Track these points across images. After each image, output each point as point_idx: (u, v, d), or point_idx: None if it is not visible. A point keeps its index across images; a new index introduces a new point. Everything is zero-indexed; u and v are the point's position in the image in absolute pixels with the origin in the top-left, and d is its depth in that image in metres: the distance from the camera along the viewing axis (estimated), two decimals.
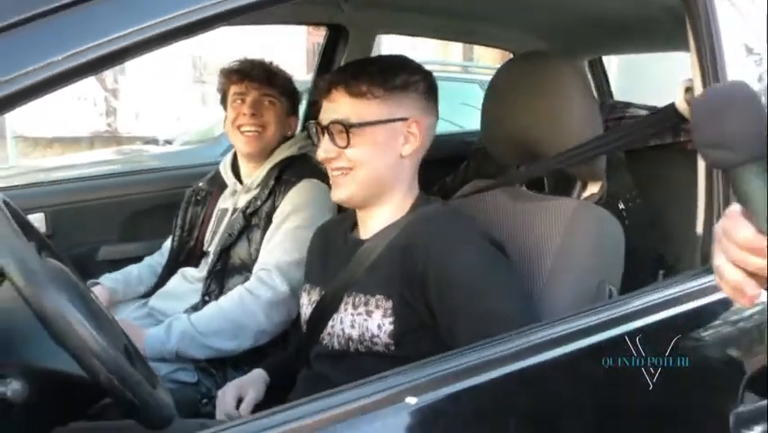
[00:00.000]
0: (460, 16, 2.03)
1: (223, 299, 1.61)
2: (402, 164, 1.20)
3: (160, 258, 1.96)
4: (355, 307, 1.14)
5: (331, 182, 1.22)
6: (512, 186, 1.34)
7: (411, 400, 0.73)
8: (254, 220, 1.72)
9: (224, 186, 1.86)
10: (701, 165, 1.13)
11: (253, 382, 1.33)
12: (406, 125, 1.18)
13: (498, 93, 1.32)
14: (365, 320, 1.12)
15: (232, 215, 1.78)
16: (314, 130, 1.23)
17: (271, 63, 1.85)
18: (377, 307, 1.12)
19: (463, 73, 6.83)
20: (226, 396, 1.29)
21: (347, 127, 1.14)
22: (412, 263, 1.09)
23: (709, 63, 1.07)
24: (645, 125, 1.31)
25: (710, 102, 0.63)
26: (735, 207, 0.62)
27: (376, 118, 1.15)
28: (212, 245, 1.80)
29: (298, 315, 1.39)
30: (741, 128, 0.59)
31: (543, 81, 1.22)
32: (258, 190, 1.75)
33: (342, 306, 1.17)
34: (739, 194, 0.62)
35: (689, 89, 1.12)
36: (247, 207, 1.74)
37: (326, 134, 1.18)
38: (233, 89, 1.79)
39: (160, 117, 8.13)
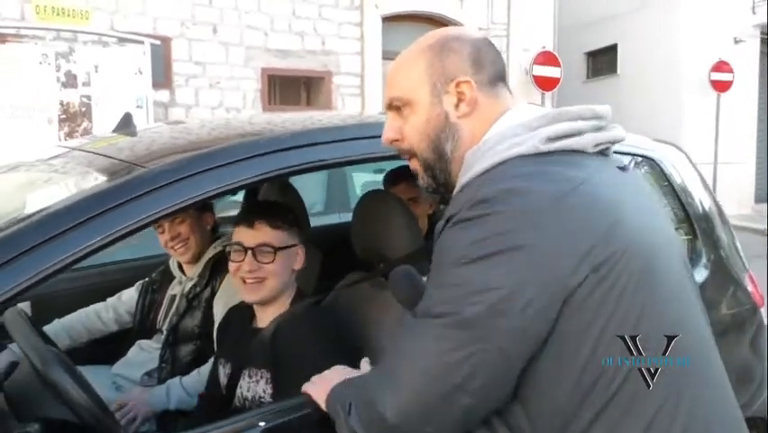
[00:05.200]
0: None
1: (202, 368, 2.08)
2: (292, 276, 1.74)
3: (106, 313, 2.47)
4: (250, 377, 1.65)
5: (242, 288, 1.67)
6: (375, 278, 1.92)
7: (261, 423, 1.32)
8: (195, 303, 2.28)
9: (172, 277, 2.42)
10: None
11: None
12: (295, 250, 1.73)
13: (358, 220, 1.88)
14: (255, 385, 1.63)
15: (179, 299, 2.34)
16: (236, 249, 1.65)
17: None
18: (262, 377, 1.63)
19: None
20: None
21: (275, 249, 1.64)
22: (279, 349, 1.62)
23: None
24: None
25: (394, 274, 1.25)
26: None
27: (288, 244, 1.69)
28: (164, 324, 2.34)
29: None
30: (406, 293, 1.19)
31: (385, 212, 1.81)
32: (197, 279, 2.31)
33: (243, 376, 1.67)
34: None
35: None
36: (189, 293, 2.30)
37: (251, 254, 1.63)
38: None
39: None
